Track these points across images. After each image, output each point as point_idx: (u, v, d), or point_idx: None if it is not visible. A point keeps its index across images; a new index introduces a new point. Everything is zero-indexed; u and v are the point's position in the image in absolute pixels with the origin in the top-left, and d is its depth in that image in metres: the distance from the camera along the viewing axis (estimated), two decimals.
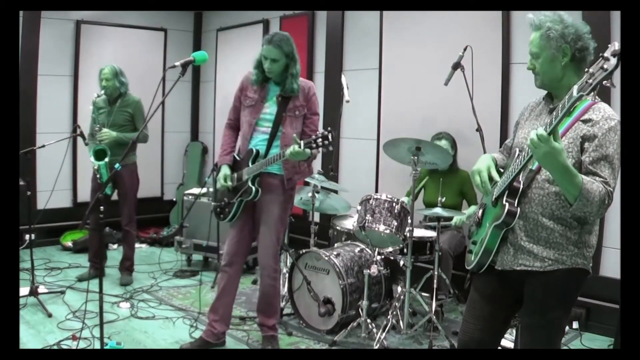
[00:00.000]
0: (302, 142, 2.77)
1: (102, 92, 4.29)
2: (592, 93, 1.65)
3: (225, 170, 3.17)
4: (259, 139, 3.12)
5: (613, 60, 1.57)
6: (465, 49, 3.64)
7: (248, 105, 3.14)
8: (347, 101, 4.10)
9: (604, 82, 1.60)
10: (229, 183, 3.13)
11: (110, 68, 4.33)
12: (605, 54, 1.58)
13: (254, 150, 3.09)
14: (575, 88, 1.63)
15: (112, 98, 4.36)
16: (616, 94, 3.43)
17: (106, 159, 4.17)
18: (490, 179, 2.00)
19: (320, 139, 2.75)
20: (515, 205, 1.90)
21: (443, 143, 4.00)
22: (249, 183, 3.08)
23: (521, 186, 1.91)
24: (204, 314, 3.80)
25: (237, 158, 3.22)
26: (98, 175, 4.23)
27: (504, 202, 1.91)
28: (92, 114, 4.40)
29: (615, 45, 1.60)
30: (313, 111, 3.16)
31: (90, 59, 5.67)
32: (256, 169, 3.05)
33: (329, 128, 2.78)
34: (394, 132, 4.20)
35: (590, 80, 1.59)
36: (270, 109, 3.11)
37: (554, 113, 1.91)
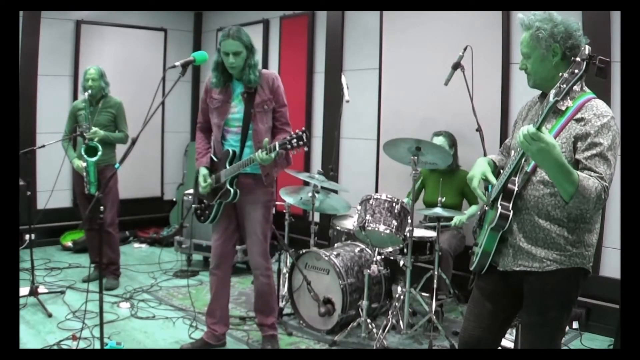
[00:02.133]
0: (277, 144, 2.76)
1: (88, 92, 4.25)
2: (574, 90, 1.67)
3: (203, 171, 3.11)
4: (232, 140, 3.07)
5: (583, 65, 1.60)
6: (465, 49, 3.64)
7: (215, 107, 3.08)
8: (347, 101, 4.10)
9: (575, 85, 1.63)
10: (209, 181, 3.08)
11: (96, 68, 4.31)
12: (577, 58, 1.61)
13: (230, 152, 3.04)
14: (552, 93, 1.66)
15: (95, 99, 4.34)
16: (616, 93, 3.43)
17: (96, 157, 4.18)
18: (487, 181, 2.00)
19: (295, 140, 2.73)
20: (510, 207, 1.90)
21: (440, 140, 4.00)
22: (227, 185, 3.04)
23: (516, 188, 1.91)
24: (204, 314, 3.80)
25: (215, 159, 3.15)
26: (85, 174, 4.23)
27: (497, 205, 1.92)
28: (76, 113, 4.34)
29: (586, 49, 1.63)
30: (281, 103, 3.08)
31: (90, 59, 5.66)
32: (233, 171, 3.00)
33: (303, 128, 2.75)
34: (394, 132, 4.21)
35: (564, 85, 1.62)
36: (237, 108, 3.04)
37: (530, 113, 1.91)
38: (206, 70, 6.72)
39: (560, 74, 1.64)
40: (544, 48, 1.87)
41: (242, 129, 3.03)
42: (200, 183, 3.10)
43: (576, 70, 1.61)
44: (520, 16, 1.94)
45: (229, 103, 3.05)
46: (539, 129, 1.67)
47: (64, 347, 3.18)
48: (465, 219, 3.90)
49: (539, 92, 2.03)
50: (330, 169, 4.52)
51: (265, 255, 3.17)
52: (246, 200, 3.09)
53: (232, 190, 3.04)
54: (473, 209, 4.00)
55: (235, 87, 3.06)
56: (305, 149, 2.77)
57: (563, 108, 1.86)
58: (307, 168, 5.50)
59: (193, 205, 3.32)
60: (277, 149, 2.76)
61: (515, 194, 1.91)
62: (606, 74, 1.71)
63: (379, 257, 3.67)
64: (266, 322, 3.26)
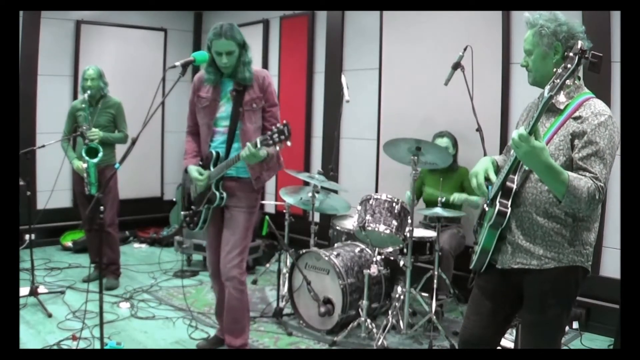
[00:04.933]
0: (258, 140, 2.62)
1: (87, 92, 4.23)
2: (566, 87, 1.68)
3: (195, 167, 2.92)
4: (219, 141, 2.93)
5: (575, 59, 1.63)
6: (465, 49, 3.64)
7: (203, 106, 2.92)
8: (347, 101, 4.10)
9: (567, 80, 1.65)
10: (205, 174, 2.88)
11: (95, 69, 4.29)
12: (571, 53, 1.64)
13: (214, 153, 2.89)
14: (546, 88, 1.68)
15: (95, 99, 4.33)
16: (616, 93, 3.43)
17: (97, 158, 4.18)
18: (488, 180, 2.01)
19: (276, 134, 2.57)
20: (509, 205, 1.91)
21: (444, 141, 4.00)
22: (213, 188, 2.90)
23: (514, 186, 1.93)
24: (203, 314, 3.81)
25: (200, 163, 2.98)
26: (85, 175, 4.23)
27: (496, 202, 1.93)
28: (76, 114, 4.32)
29: (579, 43, 1.65)
30: (271, 102, 2.93)
31: (90, 59, 5.65)
32: (217, 173, 2.85)
33: (285, 121, 2.59)
34: (394, 132, 4.20)
35: (558, 80, 1.65)
36: (225, 107, 2.90)
37: (530, 113, 1.92)
38: None
39: (555, 69, 1.67)
40: (545, 45, 1.89)
41: (229, 129, 2.89)
42: (197, 178, 2.87)
43: (569, 65, 1.64)
44: (526, 15, 1.97)
45: (217, 101, 2.90)
46: (534, 124, 1.68)
47: (64, 347, 3.18)
48: (462, 199, 3.82)
49: (539, 92, 2.04)
50: (330, 169, 4.52)
51: (240, 267, 2.92)
52: (230, 204, 2.95)
53: (218, 194, 2.90)
54: (476, 198, 3.94)
55: (224, 85, 2.92)
56: (288, 143, 2.58)
57: (562, 107, 1.88)
58: (307, 168, 5.50)
59: (182, 213, 3.19)
60: (259, 145, 2.60)
61: (514, 191, 1.93)
62: (599, 69, 1.73)
63: (379, 257, 3.67)
64: (234, 343, 2.99)
